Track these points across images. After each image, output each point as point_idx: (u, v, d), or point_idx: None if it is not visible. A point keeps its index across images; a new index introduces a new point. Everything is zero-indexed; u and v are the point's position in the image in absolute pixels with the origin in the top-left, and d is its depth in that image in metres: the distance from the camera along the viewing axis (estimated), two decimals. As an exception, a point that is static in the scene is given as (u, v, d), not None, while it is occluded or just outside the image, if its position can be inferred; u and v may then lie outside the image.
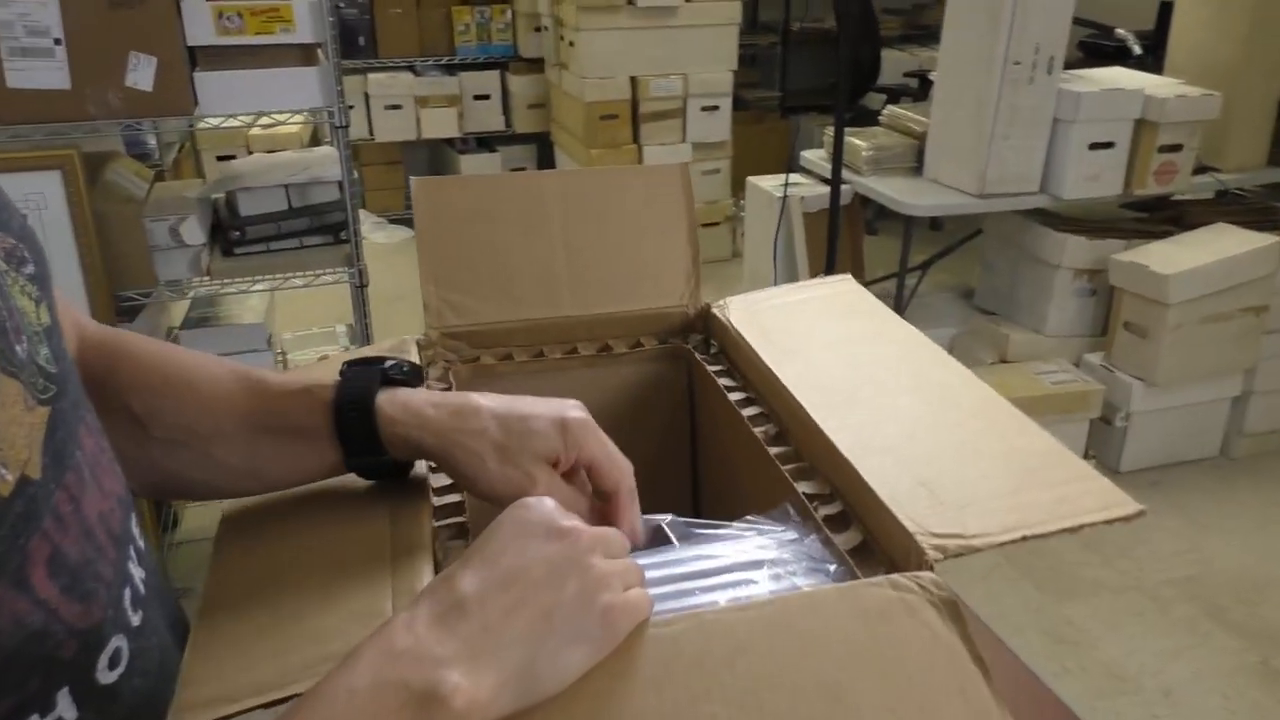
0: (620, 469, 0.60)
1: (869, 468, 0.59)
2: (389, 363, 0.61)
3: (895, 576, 0.48)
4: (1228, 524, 2.42)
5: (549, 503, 0.48)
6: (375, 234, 4.22)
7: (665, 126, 3.89)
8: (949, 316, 2.98)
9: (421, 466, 0.65)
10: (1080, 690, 1.91)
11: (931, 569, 0.50)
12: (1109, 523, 0.52)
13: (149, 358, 0.62)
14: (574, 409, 0.59)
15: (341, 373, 0.61)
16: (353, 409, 0.58)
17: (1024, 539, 0.51)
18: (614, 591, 0.46)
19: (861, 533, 0.58)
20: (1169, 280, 2.41)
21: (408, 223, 4.46)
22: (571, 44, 3.78)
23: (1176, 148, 2.57)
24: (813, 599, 0.49)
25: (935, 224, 4.18)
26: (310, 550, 0.59)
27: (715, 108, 3.93)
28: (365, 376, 0.60)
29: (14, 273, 0.46)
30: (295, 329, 2.57)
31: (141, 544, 0.54)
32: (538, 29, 4.19)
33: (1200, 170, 2.69)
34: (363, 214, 4.32)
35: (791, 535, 0.61)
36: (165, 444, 0.60)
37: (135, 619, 0.49)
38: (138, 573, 0.52)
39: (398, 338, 0.82)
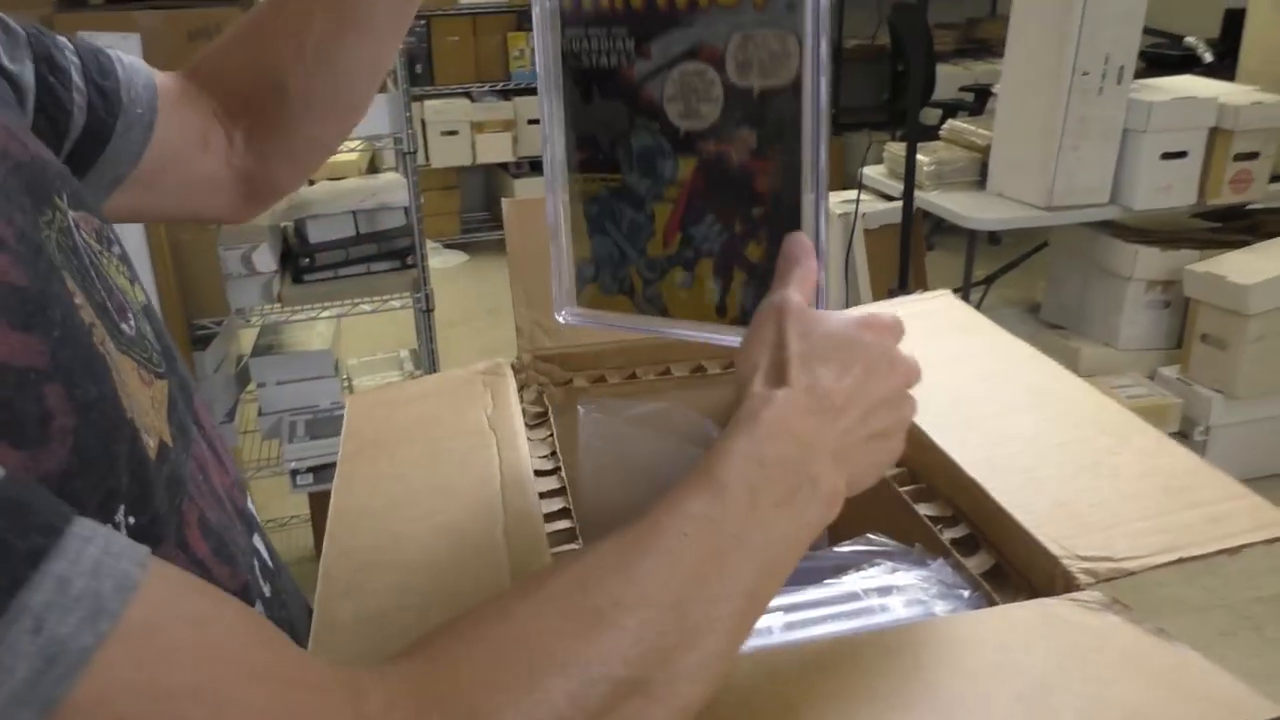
0: None
1: (999, 488, 0.56)
2: None
3: (1063, 597, 0.46)
4: (1317, 542, 2.33)
5: (901, 325, 0.51)
6: (432, 259, 4.24)
7: (720, 146, 3.88)
8: (1015, 332, 2.87)
9: (526, 467, 0.64)
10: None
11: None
12: (1269, 543, 0.49)
13: (226, 51, 0.68)
14: None
15: None
16: None
17: (1179, 561, 0.49)
18: (890, 457, 0.49)
19: (993, 556, 0.56)
20: (1249, 290, 2.34)
21: (464, 248, 4.49)
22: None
23: (1252, 155, 2.50)
24: (1006, 615, 0.48)
25: (993, 238, 4.12)
26: (421, 538, 0.57)
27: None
28: None
29: (106, 253, 0.46)
30: (359, 355, 2.59)
31: (258, 521, 0.55)
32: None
33: (1277, 179, 2.61)
34: (420, 239, 4.38)
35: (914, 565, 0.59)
36: (304, 101, 0.64)
37: (266, 589, 0.50)
38: (262, 546, 0.53)
39: (493, 359, 0.81)
